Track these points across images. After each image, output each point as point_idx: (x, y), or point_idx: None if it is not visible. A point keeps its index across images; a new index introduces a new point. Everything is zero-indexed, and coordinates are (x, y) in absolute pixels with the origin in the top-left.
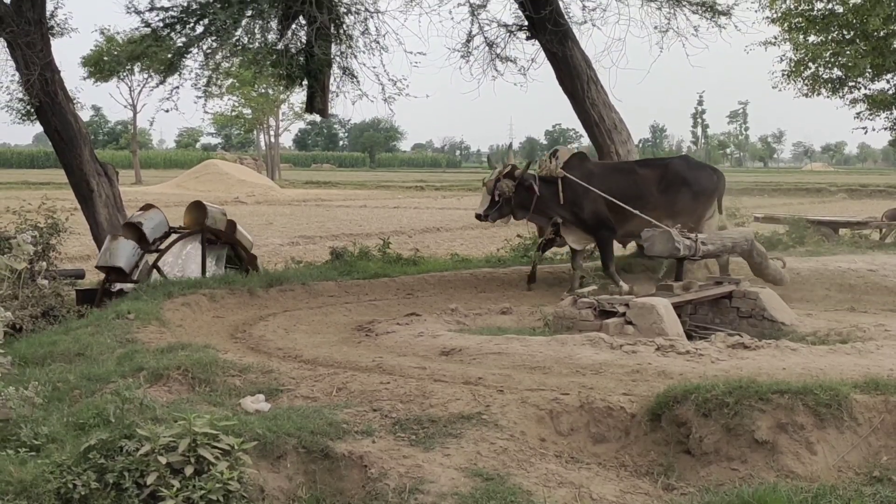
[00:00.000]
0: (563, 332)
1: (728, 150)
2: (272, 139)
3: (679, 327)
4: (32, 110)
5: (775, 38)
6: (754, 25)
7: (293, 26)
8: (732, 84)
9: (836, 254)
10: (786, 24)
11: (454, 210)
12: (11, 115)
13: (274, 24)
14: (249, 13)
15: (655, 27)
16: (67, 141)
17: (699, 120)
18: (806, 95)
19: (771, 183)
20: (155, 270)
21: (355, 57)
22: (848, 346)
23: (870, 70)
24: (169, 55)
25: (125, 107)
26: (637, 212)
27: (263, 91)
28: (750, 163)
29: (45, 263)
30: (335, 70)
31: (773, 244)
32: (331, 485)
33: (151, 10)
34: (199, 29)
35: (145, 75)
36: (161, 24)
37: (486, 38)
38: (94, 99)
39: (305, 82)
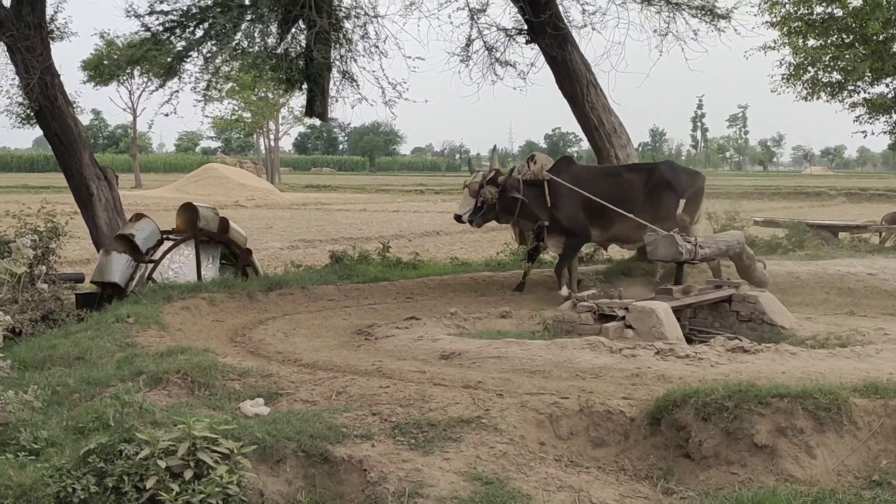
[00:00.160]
0: (562, 336)
1: (728, 154)
2: (272, 143)
3: (678, 331)
4: (32, 114)
5: (774, 41)
6: (754, 29)
7: (293, 30)
8: (732, 88)
9: (836, 257)
10: (785, 28)
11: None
12: (11, 118)
13: (274, 27)
14: (249, 17)
15: (655, 31)
16: (67, 145)
17: (699, 124)
18: (805, 99)
19: (770, 186)
20: (151, 282)
21: (355, 61)
22: (847, 349)
23: (869, 74)
24: (168, 59)
25: (125, 110)
26: (631, 215)
27: (263, 95)
28: (749, 166)
29: (44, 267)
30: (335, 74)
31: (772, 248)
32: (330, 489)
33: (151, 13)
34: (199, 33)
35: (145, 79)
36: (161, 28)
37: (485, 42)
38: (94, 103)
39: (305, 86)
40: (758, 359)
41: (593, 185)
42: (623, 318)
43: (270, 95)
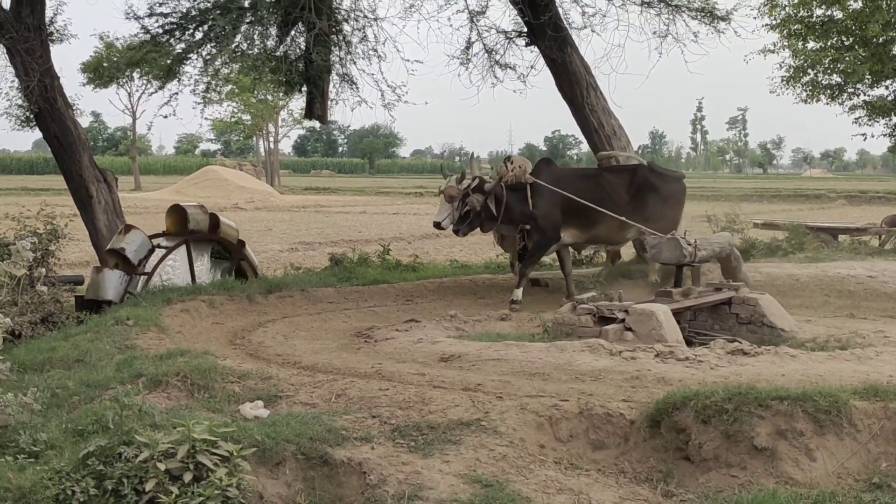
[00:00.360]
0: (562, 339)
1: (727, 157)
2: (271, 145)
3: (678, 333)
4: (32, 116)
5: (774, 44)
6: (754, 32)
7: (292, 32)
8: (732, 90)
9: (836, 260)
10: (785, 31)
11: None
12: (11, 121)
13: (273, 30)
14: (248, 19)
15: (654, 33)
16: (67, 147)
17: (698, 126)
18: (805, 102)
19: (770, 189)
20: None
21: (354, 63)
22: (847, 352)
23: (869, 76)
24: (168, 61)
25: (124, 112)
26: (622, 217)
27: (263, 97)
28: (749, 169)
29: (44, 270)
30: (334, 76)
31: (772, 250)
32: (330, 491)
33: (151, 16)
34: (199, 35)
35: (144, 81)
36: (160, 31)
37: (485, 44)
38: (94, 105)
39: (305, 88)
40: (758, 361)
41: (574, 186)
42: (623, 320)
43: (270, 98)
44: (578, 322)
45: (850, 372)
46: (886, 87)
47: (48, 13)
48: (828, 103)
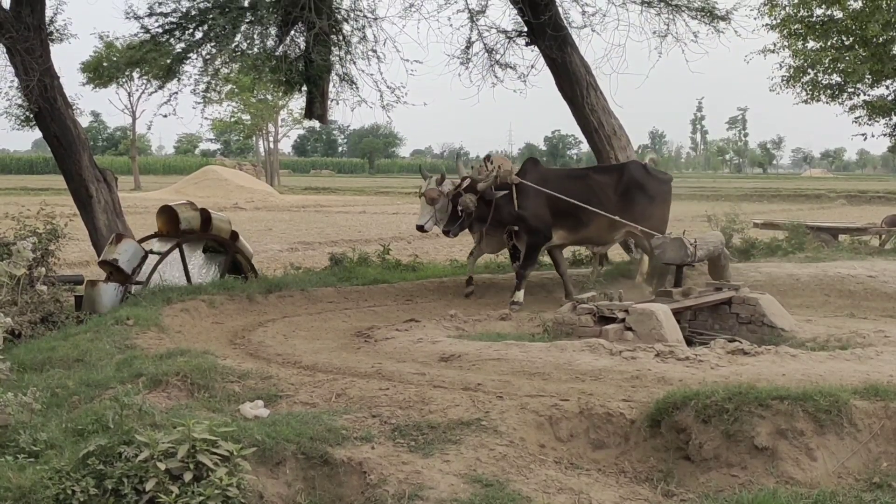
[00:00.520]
0: (562, 338)
1: (727, 156)
2: (271, 145)
3: (678, 333)
4: (31, 116)
5: (774, 44)
6: (754, 32)
7: (292, 32)
8: (732, 90)
9: (836, 260)
10: (785, 31)
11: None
12: (10, 120)
13: (273, 30)
14: (248, 19)
15: (654, 32)
16: (66, 147)
17: (698, 126)
18: (805, 102)
19: (770, 189)
20: None
21: (354, 63)
22: (847, 352)
23: (869, 76)
24: (168, 61)
25: (124, 112)
26: (616, 217)
27: (262, 97)
28: (749, 169)
29: (44, 269)
30: (334, 76)
31: (772, 250)
32: (330, 491)
33: (151, 15)
34: (199, 35)
35: (144, 81)
36: (160, 30)
37: (485, 44)
38: (93, 105)
39: (304, 88)
40: (758, 361)
41: (561, 186)
42: (623, 320)
43: (270, 98)
44: (578, 322)
45: (850, 371)
46: (886, 87)
47: (48, 13)
48: (828, 103)
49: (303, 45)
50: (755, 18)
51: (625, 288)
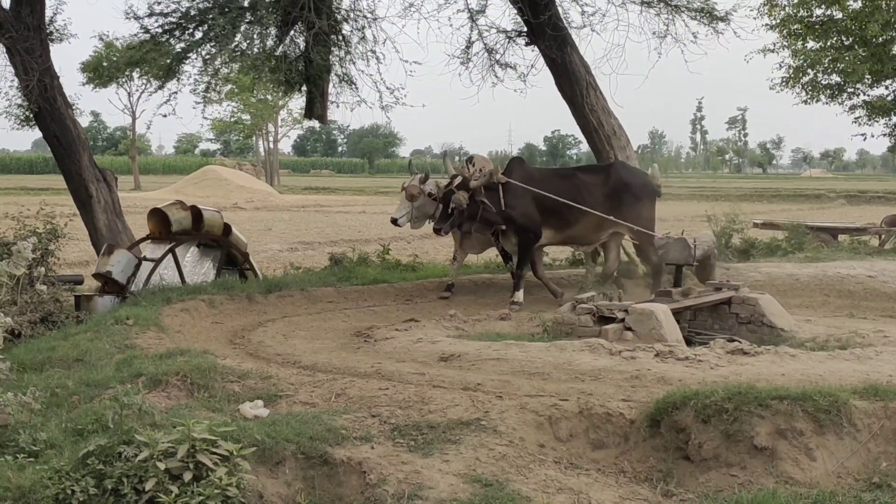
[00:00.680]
0: (562, 338)
1: (727, 157)
2: (271, 145)
3: (678, 333)
4: (31, 116)
5: (774, 44)
6: (753, 32)
7: (292, 32)
8: (732, 90)
9: (836, 260)
10: (784, 31)
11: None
12: (10, 120)
13: (273, 30)
14: (248, 19)
15: (654, 33)
16: (66, 147)
17: (698, 126)
18: (805, 102)
19: (770, 189)
20: None
21: (353, 63)
22: (847, 352)
23: (868, 76)
24: (168, 61)
25: (124, 112)
26: (604, 214)
27: (262, 97)
28: (749, 169)
29: (43, 269)
30: (334, 77)
31: (772, 250)
32: (329, 491)
33: (150, 15)
34: (198, 35)
35: (144, 81)
36: (160, 30)
37: (485, 44)
38: (93, 104)
39: (304, 88)
40: (757, 361)
41: (548, 186)
42: (622, 320)
43: (270, 97)
44: (578, 322)
45: (849, 371)
46: (886, 87)
47: (48, 13)
48: (827, 103)
49: (302, 45)
50: (755, 18)
51: (624, 287)
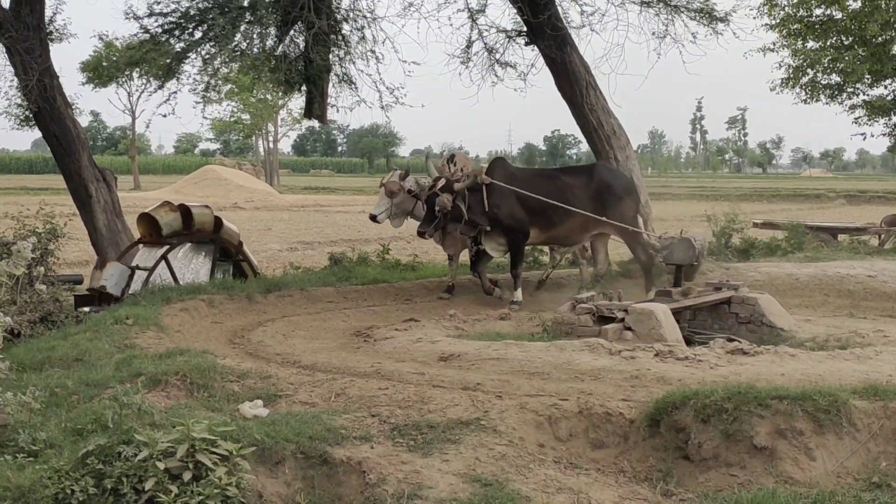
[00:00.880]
0: (561, 338)
1: (727, 156)
2: (271, 145)
3: (678, 333)
4: (31, 116)
5: (773, 44)
6: (753, 32)
7: (291, 32)
8: (731, 90)
9: (835, 259)
10: (784, 31)
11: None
12: (10, 120)
13: (272, 29)
14: (248, 19)
15: (653, 33)
16: (66, 146)
17: (698, 126)
18: (805, 102)
19: (770, 189)
20: None
21: (353, 63)
22: (847, 351)
23: (868, 76)
24: (167, 61)
25: (124, 112)
26: (594, 216)
27: (262, 97)
28: (749, 169)
29: (43, 269)
30: (333, 76)
31: (772, 250)
32: (329, 490)
33: (150, 15)
34: (198, 35)
35: (144, 81)
36: (160, 30)
37: (485, 43)
38: (93, 104)
39: (304, 88)
40: (757, 361)
41: (531, 186)
42: (622, 319)
43: (269, 97)
44: (578, 321)
45: (849, 371)
46: (886, 87)
47: (48, 12)
48: (827, 103)
49: (302, 45)
50: (754, 18)
51: (624, 287)
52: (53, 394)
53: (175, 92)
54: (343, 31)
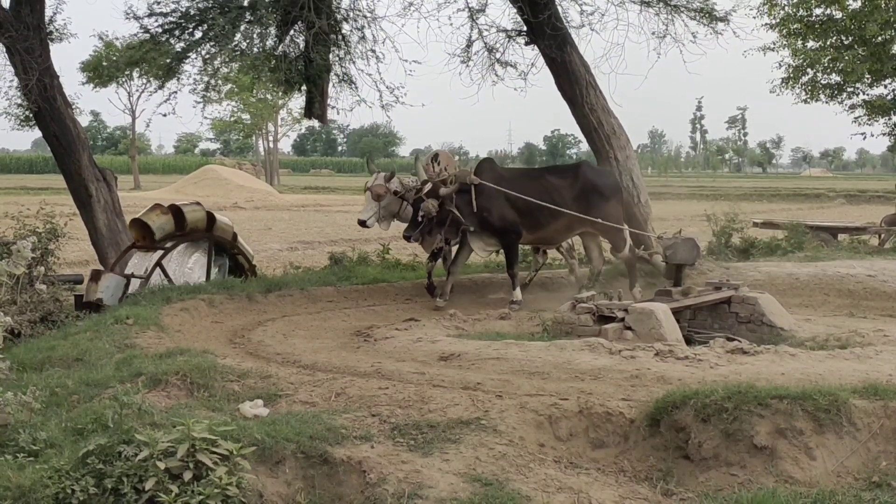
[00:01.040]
0: (561, 338)
1: (727, 156)
2: (271, 144)
3: (678, 332)
4: (31, 116)
5: (774, 43)
6: (753, 32)
7: (292, 32)
8: (731, 90)
9: (835, 259)
10: (784, 31)
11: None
12: (10, 120)
13: (272, 29)
14: (248, 19)
15: (653, 33)
16: (66, 146)
17: (698, 125)
18: (805, 102)
19: (770, 188)
20: None
21: (353, 63)
22: (847, 351)
23: (868, 76)
24: (167, 60)
25: (124, 112)
26: (582, 214)
27: (262, 96)
28: (749, 168)
29: (43, 268)
30: (333, 76)
31: (772, 249)
32: (329, 490)
33: (150, 15)
34: (198, 34)
35: (144, 81)
36: (160, 30)
37: (485, 43)
38: (93, 104)
39: (304, 88)
40: (757, 360)
41: (518, 186)
42: (622, 319)
43: (269, 97)
44: (578, 321)
45: (849, 371)
46: (885, 87)
47: (48, 12)
48: (827, 103)
49: (302, 45)
50: (754, 17)
51: (624, 287)
52: (54, 393)
53: (175, 92)
54: (343, 31)
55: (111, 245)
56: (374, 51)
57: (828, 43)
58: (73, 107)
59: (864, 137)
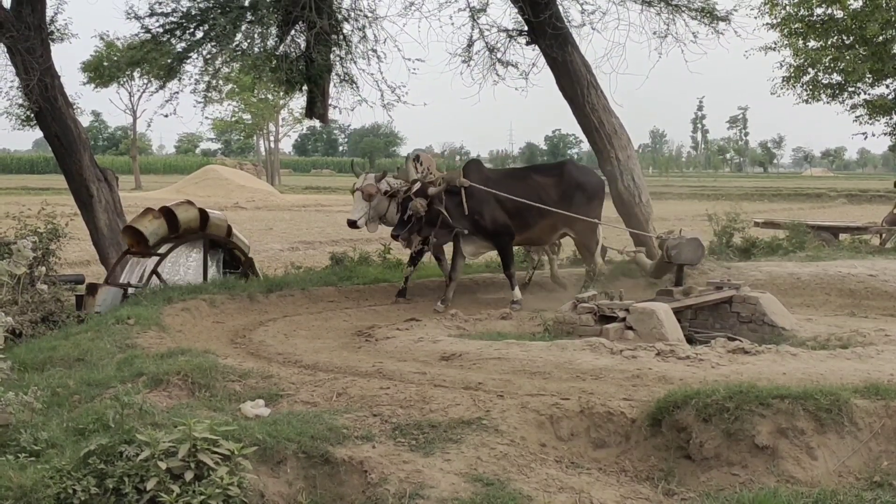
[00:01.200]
0: (563, 338)
1: (728, 156)
2: (272, 144)
3: (679, 332)
4: (32, 116)
5: (775, 43)
6: (754, 31)
7: (293, 32)
8: (732, 89)
9: (837, 259)
10: (785, 30)
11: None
12: (11, 120)
13: (273, 29)
14: (249, 19)
15: (655, 33)
16: (67, 146)
17: (699, 125)
18: (806, 101)
19: (771, 188)
20: None
21: (354, 63)
22: (848, 351)
23: (869, 75)
24: (169, 61)
25: (125, 112)
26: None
27: (263, 96)
28: (750, 168)
29: (44, 268)
30: (334, 76)
31: (773, 249)
32: (331, 490)
33: (151, 15)
34: (199, 34)
35: (145, 81)
36: (161, 30)
37: (486, 42)
38: (94, 104)
39: (305, 88)
40: (759, 360)
41: (505, 187)
42: (624, 319)
43: (270, 97)
44: (579, 321)
45: (851, 370)
46: (887, 86)
47: (49, 12)
48: (828, 102)
49: (303, 45)
50: (755, 17)
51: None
52: (55, 393)
53: (176, 92)
54: (344, 31)
55: (112, 245)
56: (375, 50)
57: (829, 42)
58: (74, 107)
59: (866, 137)
